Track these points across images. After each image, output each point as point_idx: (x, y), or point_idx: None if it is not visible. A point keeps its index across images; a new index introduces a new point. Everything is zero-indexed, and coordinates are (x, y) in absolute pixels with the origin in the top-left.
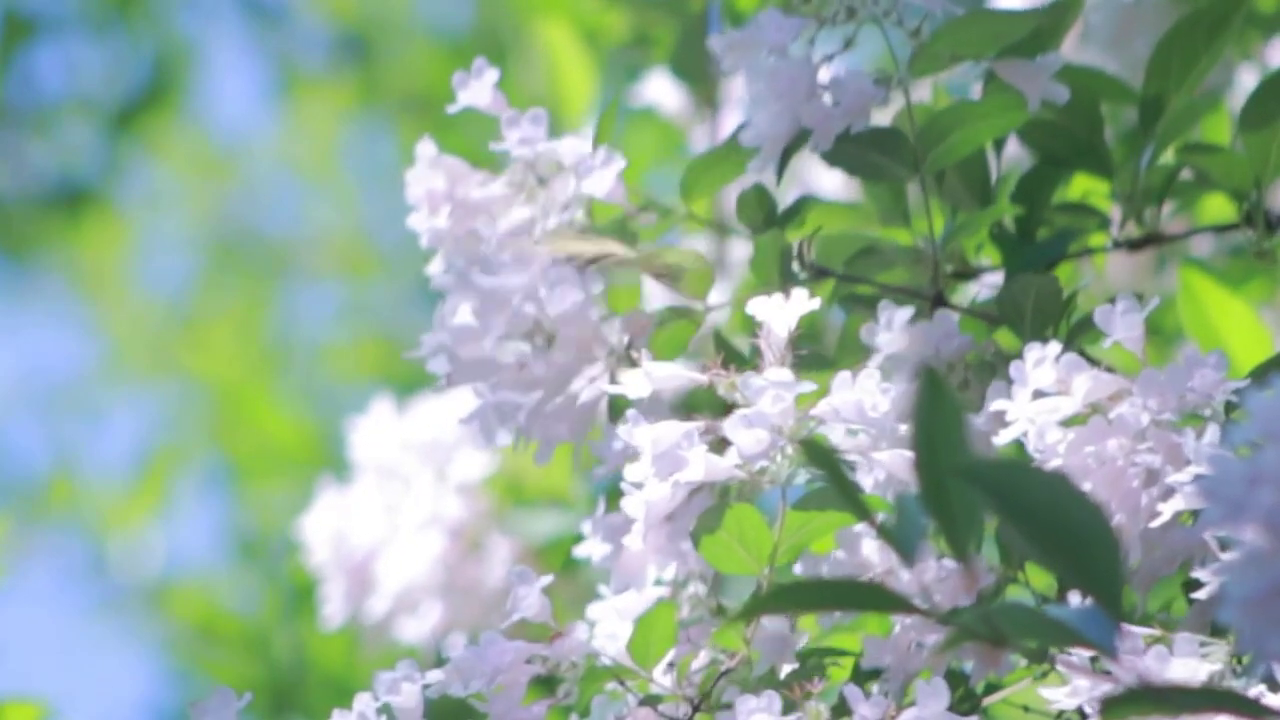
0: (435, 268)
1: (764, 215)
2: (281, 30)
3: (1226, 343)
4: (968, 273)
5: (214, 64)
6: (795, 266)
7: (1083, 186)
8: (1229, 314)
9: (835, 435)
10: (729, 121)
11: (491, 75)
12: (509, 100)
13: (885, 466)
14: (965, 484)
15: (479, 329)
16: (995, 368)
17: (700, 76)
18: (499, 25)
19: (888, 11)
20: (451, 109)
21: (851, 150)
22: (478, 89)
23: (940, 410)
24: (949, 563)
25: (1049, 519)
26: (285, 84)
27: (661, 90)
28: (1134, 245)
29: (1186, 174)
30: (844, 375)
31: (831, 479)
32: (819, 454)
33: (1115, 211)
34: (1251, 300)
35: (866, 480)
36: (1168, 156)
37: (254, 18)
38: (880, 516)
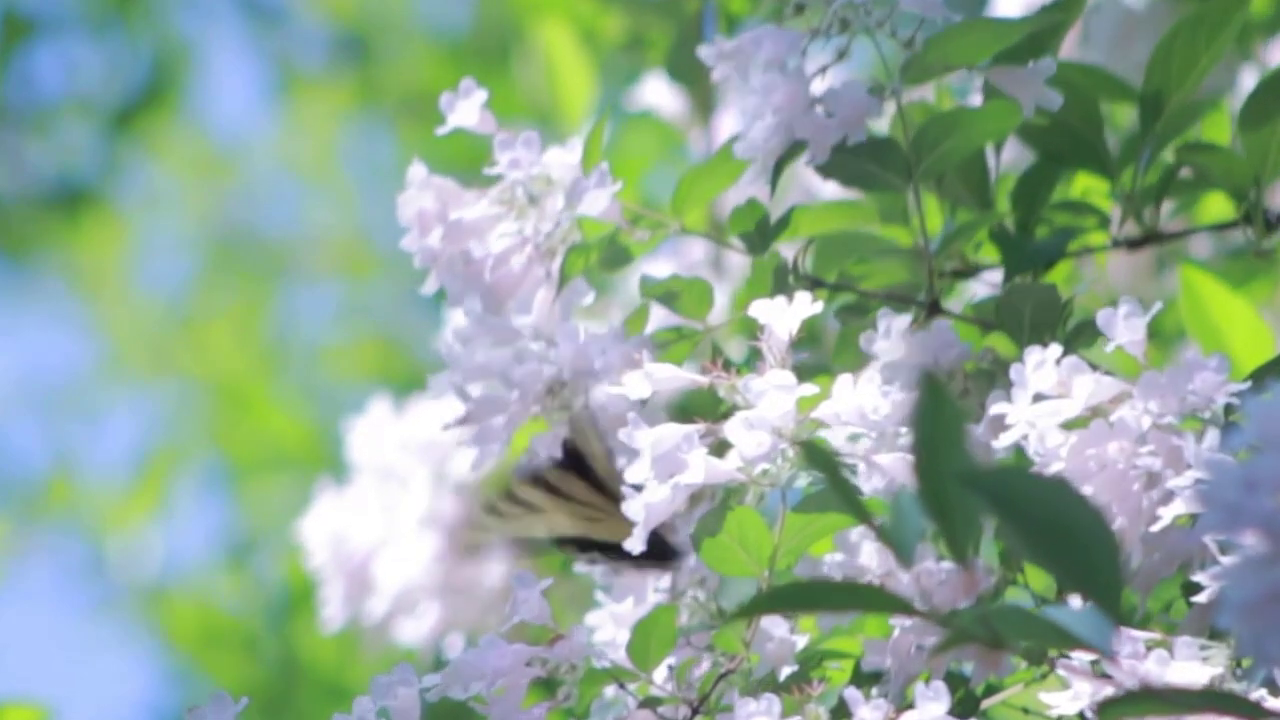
0: (429, 287)
1: (756, 227)
2: (280, 30)
3: (1229, 343)
4: (967, 271)
5: (213, 64)
6: (790, 279)
7: (1082, 185)
8: (1231, 314)
9: (836, 439)
10: (725, 123)
11: (480, 95)
12: (508, 104)
13: (886, 470)
14: (965, 488)
15: (496, 371)
16: (994, 375)
17: (696, 79)
18: (498, 26)
19: (881, 22)
20: (440, 131)
21: (845, 160)
22: (465, 110)
23: (941, 414)
24: (948, 565)
25: (1048, 523)
26: (284, 84)
27: (659, 92)
28: (1133, 244)
29: (1186, 173)
30: (845, 378)
31: (831, 481)
32: (818, 456)
33: (1115, 211)
34: (1252, 300)
35: (867, 484)
36: (1167, 155)
37: (253, 18)
38: (879, 519)
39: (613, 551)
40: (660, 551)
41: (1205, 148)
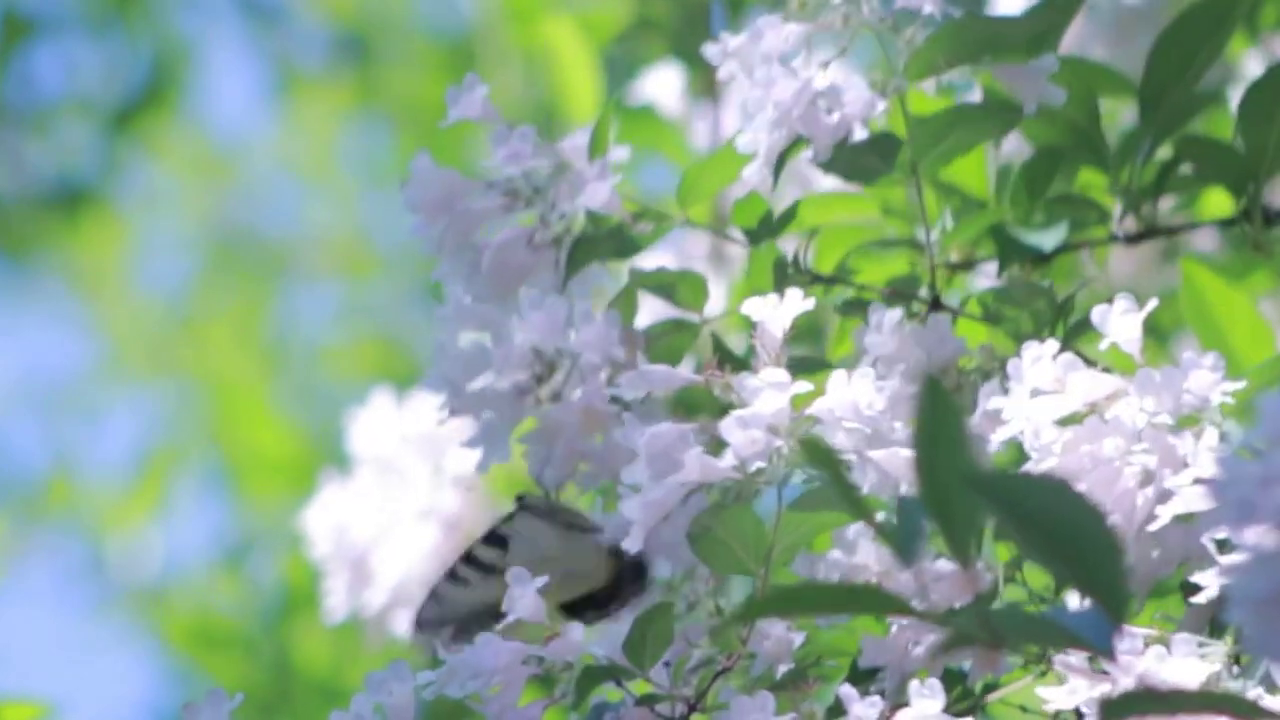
0: (438, 274)
1: (759, 221)
2: (280, 30)
3: (1229, 338)
4: (966, 264)
5: (212, 64)
6: (790, 272)
7: (1083, 180)
8: (1231, 308)
9: (831, 435)
10: (730, 110)
11: (482, 90)
12: (504, 107)
13: (881, 465)
14: (968, 492)
15: (485, 363)
16: (989, 371)
17: (702, 62)
18: (499, 24)
19: (883, 19)
20: (443, 124)
21: (847, 155)
22: (468, 103)
23: (942, 417)
24: (945, 562)
25: (1052, 526)
26: (284, 84)
27: (662, 85)
28: (1132, 239)
29: (1186, 167)
30: (839, 374)
31: (831, 478)
32: (818, 453)
33: (1116, 207)
34: (1253, 292)
35: (862, 480)
36: (1166, 150)
37: (252, 18)
38: (878, 516)
39: (593, 604)
40: (632, 576)
41: (1204, 142)
